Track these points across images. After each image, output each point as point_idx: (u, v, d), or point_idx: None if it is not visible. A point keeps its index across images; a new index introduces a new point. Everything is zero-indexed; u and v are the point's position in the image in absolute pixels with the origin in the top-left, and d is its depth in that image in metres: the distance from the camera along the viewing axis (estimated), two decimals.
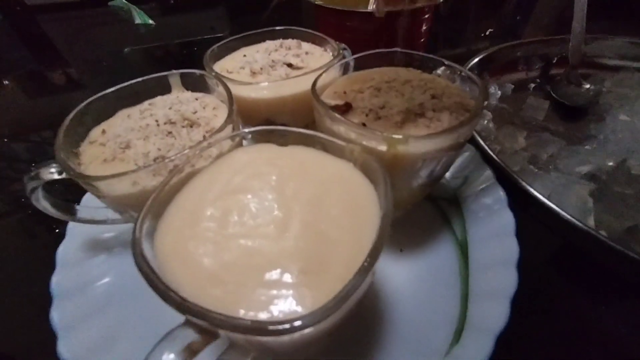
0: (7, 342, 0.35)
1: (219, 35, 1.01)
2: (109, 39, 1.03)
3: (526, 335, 0.32)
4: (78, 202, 0.40)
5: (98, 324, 0.30)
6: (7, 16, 1.13)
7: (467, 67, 0.63)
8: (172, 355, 0.18)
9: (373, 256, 0.20)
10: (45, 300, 0.36)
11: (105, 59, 0.92)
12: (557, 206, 0.37)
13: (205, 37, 1.00)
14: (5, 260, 0.44)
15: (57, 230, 0.45)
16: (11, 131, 0.68)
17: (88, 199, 0.41)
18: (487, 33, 0.96)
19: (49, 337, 0.29)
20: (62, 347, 0.28)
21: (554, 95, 0.62)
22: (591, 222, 0.40)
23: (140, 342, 0.29)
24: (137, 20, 1.05)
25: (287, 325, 0.17)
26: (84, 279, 0.34)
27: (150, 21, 1.05)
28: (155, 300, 0.33)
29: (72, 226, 0.38)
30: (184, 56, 0.92)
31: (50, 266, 0.39)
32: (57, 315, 0.30)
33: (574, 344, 0.33)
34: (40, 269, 0.40)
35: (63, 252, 0.35)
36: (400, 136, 0.27)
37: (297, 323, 0.17)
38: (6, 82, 0.86)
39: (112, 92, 0.36)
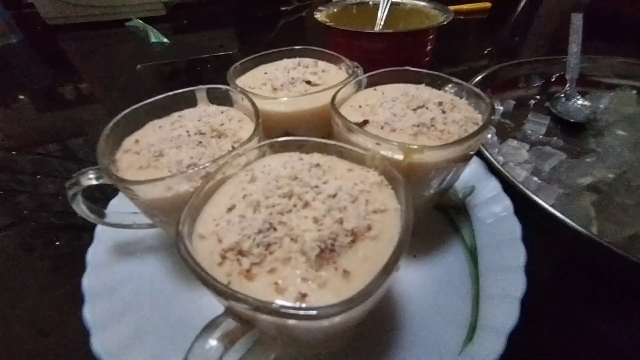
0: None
1: (229, 52, 1.06)
2: (123, 57, 1.07)
3: (536, 335, 0.34)
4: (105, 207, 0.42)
5: (127, 321, 0.32)
6: (29, 35, 1.18)
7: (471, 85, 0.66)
8: (215, 342, 0.20)
9: (395, 257, 0.22)
10: (39, 316, 0.38)
11: (119, 75, 0.95)
12: (561, 215, 0.39)
13: (215, 54, 1.04)
14: (8, 272, 0.44)
15: (57, 243, 0.46)
16: (18, 144, 0.68)
17: (113, 205, 0.43)
18: (486, 52, 1.01)
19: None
20: (96, 343, 0.29)
21: (553, 111, 0.65)
22: (594, 230, 0.42)
23: (167, 338, 0.31)
24: (153, 39, 1.10)
25: (314, 312, 0.19)
26: (113, 280, 0.35)
27: (165, 40, 1.10)
28: (179, 300, 0.35)
29: (99, 231, 0.40)
30: (195, 72, 0.96)
31: (52, 279, 0.42)
32: (89, 314, 0.31)
33: (579, 343, 0.34)
34: (41, 282, 0.42)
35: (93, 254, 0.37)
36: (416, 145, 0.30)
37: (327, 310, 0.19)
38: (21, 96, 0.89)
39: (144, 105, 0.39)
